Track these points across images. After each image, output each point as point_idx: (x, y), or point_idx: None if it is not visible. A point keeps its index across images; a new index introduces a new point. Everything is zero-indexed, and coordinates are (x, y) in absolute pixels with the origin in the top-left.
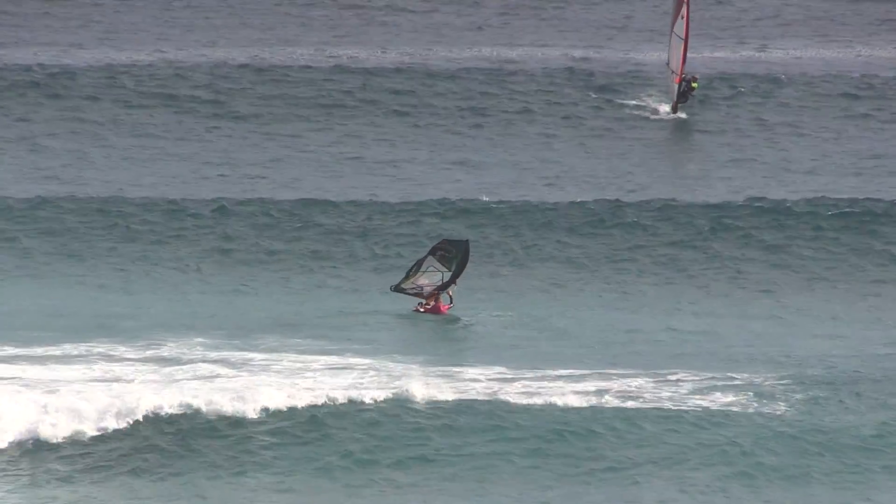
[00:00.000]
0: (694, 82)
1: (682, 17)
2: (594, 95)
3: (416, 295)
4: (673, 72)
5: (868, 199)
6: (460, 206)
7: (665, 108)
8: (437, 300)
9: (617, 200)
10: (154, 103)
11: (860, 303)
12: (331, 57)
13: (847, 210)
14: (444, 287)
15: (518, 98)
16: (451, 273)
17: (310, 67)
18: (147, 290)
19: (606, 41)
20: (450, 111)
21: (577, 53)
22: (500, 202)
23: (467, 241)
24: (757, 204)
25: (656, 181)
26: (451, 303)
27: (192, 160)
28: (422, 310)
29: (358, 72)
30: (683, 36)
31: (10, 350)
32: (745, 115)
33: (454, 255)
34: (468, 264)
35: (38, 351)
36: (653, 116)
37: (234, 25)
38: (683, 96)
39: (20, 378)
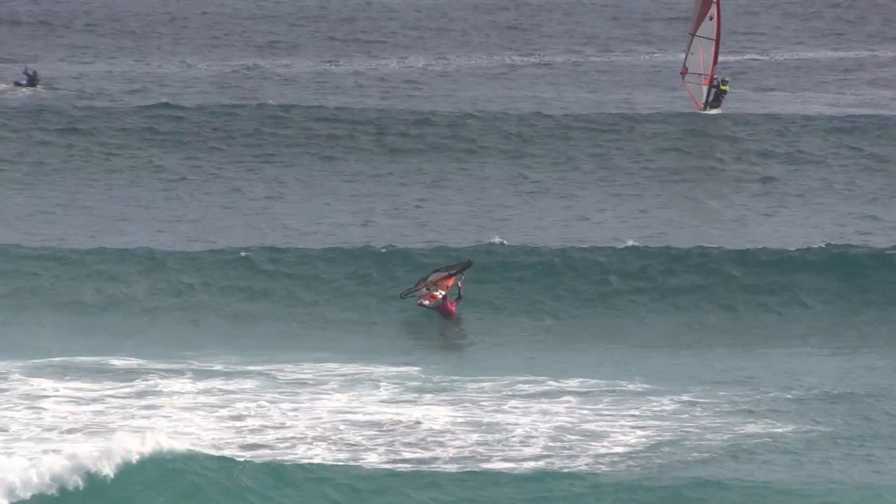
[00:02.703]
0: (724, 85)
1: (711, 19)
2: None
3: (424, 288)
4: (701, 74)
5: None
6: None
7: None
8: (445, 298)
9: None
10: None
11: None
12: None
13: None
14: (450, 276)
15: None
16: (452, 271)
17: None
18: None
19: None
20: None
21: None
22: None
23: (470, 261)
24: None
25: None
26: (460, 297)
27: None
28: (427, 302)
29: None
30: (714, 37)
31: None
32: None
33: (457, 267)
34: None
35: None
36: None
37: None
38: (716, 100)
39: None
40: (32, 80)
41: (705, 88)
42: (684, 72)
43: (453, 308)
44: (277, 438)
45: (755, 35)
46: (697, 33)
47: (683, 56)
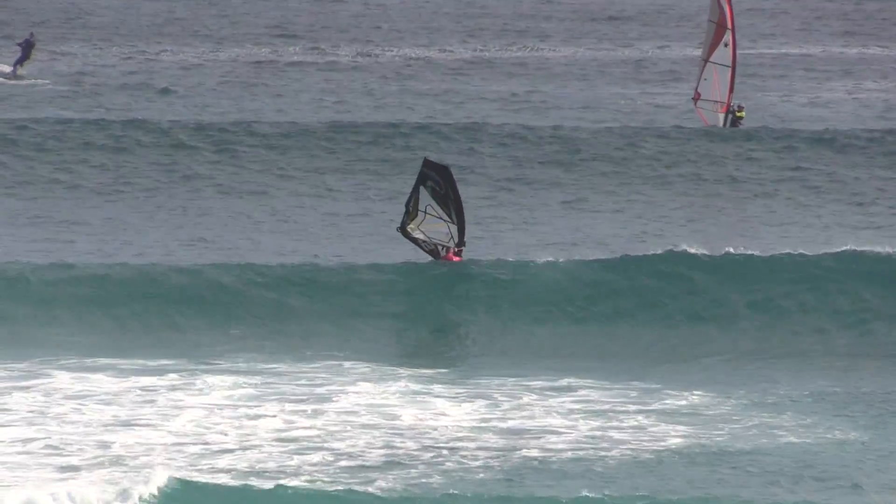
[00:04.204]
0: (740, 112)
1: (727, 45)
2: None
3: (429, 253)
4: (717, 101)
5: None
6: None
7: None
8: (447, 250)
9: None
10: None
11: None
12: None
13: None
14: (458, 245)
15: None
16: (456, 226)
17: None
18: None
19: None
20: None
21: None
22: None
23: (448, 168)
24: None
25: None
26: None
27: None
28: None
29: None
30: (730, 64)
31: None
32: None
33: (444, 190)
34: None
35: None
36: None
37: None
38: (733, 126)
39: None
40: (28, 49)
41: (721, 116)
42: (696, 97)
43: (456, 258)
44: (286, 439)
45: (769, 35)
46: (711, 59)
47: (695, 82)
